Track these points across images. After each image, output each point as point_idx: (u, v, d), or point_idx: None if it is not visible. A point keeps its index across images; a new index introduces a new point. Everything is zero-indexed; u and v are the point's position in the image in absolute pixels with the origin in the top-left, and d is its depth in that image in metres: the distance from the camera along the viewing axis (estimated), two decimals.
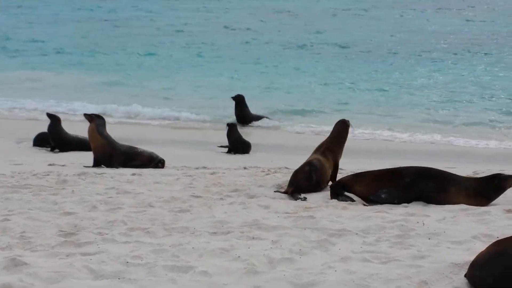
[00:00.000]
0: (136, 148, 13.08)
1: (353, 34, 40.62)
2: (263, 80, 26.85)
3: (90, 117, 12.89)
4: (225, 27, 44.07)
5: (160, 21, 47.83)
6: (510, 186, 8.48)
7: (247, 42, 37.57)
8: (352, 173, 9.71)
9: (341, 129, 10.14)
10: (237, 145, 15.35)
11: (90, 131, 12.87)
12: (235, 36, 40.18)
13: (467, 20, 46.90)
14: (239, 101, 19.45)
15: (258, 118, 19.60)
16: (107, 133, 12.88)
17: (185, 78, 27.42)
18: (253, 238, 6.83)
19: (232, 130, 15.38)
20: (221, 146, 15.55)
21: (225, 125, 15.74)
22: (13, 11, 54.51)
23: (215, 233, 7.08)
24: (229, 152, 15.33)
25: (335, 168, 10.00)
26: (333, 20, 48.36)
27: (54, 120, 15.03)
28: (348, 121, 10.26)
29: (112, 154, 12.70)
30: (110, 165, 12.59)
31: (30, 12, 54.13)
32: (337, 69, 29.41)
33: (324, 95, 23.75)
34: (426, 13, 51.66)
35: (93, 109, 19.06)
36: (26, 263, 5.78)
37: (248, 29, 43.16)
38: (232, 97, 19.54)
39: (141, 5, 57.27)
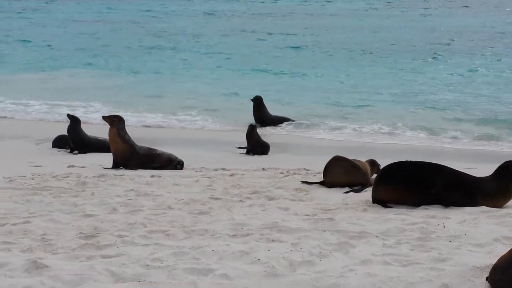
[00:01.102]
0: (155, 149, 13.09)
1: (368, 35, 40.54)
2: (277, 84, 26.79)
3: (111, 120, 12.83)
4: (242, 30, 44.16)
5: (170, 24, 48.01)
6: None
7: (259, 45, 37.52)
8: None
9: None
10: (257, 147, 15.35)
11: (112, 135, 12.84)
12: (247, 39, 40.20)
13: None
14: (258, 103, 19.44)
15: (277, 119, 19.56)
16: (129, 136, 12.87)
17: (197, 81, 27.40)
18: (273, 240, 6.82)
19: (252, 131, 15.38)
20: (240, 147, 15.54)
21: (244, 126, 15.72)
22: (29, 14, 54.99)
23: (234, 235, 7.07)
24: (247, 153, 15.33)
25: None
26: (349, 21, 48.30)
27: (74, 121, 15.06)
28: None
29: (132, 157, 12.71)
30: (129, 167, 12.62)
31: (42, 14, 54.58)
32: (352, 72, 29.32)
33: (340, 97, 23.66)
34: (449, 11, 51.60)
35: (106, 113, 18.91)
36: (47, 266, 5.80)
37: (256, 31, 43.21)
38: (251, 99, 19.53)
39: (152, 8, 57.54)
